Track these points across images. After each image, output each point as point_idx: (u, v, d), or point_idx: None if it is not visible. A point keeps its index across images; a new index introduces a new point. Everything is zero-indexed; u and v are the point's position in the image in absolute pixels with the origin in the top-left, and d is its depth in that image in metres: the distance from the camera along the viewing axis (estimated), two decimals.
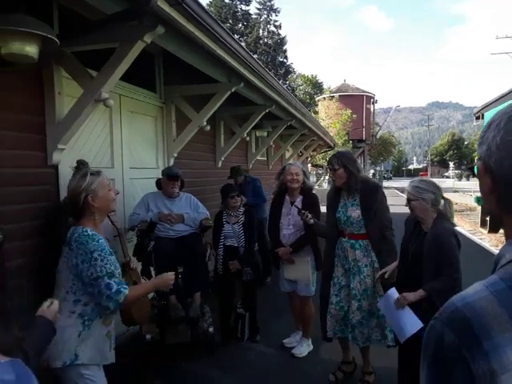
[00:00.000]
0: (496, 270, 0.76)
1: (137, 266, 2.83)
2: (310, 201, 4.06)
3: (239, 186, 6.02)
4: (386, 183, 36.75)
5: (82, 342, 2.15)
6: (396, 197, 22.77)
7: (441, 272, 2.67)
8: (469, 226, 13.78)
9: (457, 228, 3.05)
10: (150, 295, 4.13)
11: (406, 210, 2.97)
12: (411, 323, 2.72)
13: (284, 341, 4.36)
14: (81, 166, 2.51)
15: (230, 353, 4.21)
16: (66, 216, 2.49)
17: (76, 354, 2.14)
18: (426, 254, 2.75)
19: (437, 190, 2.85)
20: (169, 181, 4.14)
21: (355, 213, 3.39)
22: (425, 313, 2.62)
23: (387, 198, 3.56)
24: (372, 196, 3.40)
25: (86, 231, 2.17)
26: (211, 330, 4.10)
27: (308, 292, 4.05)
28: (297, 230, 4.06)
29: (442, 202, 2.86)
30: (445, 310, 0.73)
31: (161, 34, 3.02)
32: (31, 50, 2.56)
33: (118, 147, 4.37)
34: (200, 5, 3.10)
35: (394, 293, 2.88)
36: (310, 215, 3.71)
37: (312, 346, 4.20)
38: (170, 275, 2.43)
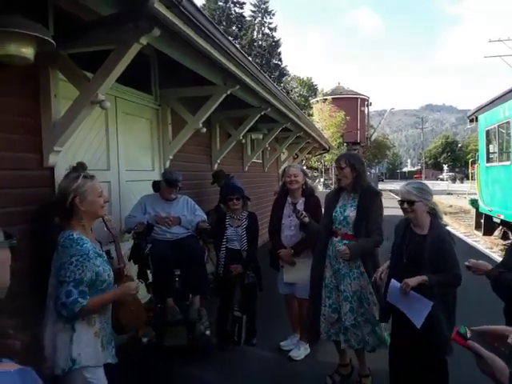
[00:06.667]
0: None
1: (131, 273, 2.81)
2: (312, 203, 4.06)
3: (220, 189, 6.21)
4: (379, 185, 36.92)
5: (74, 346, 2.14)
6: (391, 199, 22.82)
7: (442, 270, 2.76)
8: (463, 228, 13.84)
9: (452, 230, 3.14)
10: (147, 298, 4.12)
11: (401, 212, 2.99)
12: (421, 305, 2.77)
13: (281, 343, 4.35)
14: (79, 168, 2.48)
15: (227, 356, 4.20)
16: (53, 217, 2.48)
17: (72, 359, 2.12)
18: (427, 255, 2.80)
19: (432, 192, 2.99)
20: (168, 187, 4.13)
21: (353, 213, 3.40)
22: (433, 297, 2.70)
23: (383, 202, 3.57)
24: (370, 201, 3.41)
25: (72, 235, 2.16)
26: (208, 332, 4.09)
27: (306, 294, 4.04)
28: (298, 231, 4.04)
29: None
30: None
31: (157, 36, 3.01)
32: (27, 51, 2.55)
33: (114, 149, 4.35)
34: (196, 7, 3.09)
35: (395, 283, 2.91)
36: (304, 213, 3.72)
37: (309, 349, 4.19)
38: (134, 284, 2.40)
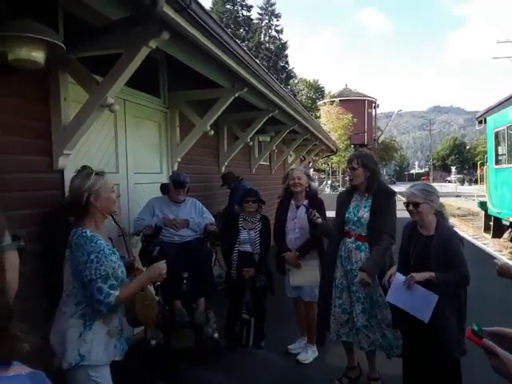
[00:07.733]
0: None
1: (141, 266, 2.81)
2: (316, 204, 4.05)
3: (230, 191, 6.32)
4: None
5: (85, 343, 2.16)
6: (398, 201, 22.69)
7: (450, 270, 2.74)
8: (472, 230, 13.72)
9: (460, 233, 3.11)
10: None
11: (408, 215, 2.97)
12: (427, 298, 2.75)
13: (289, 347, 4.34)
14: (84, 170, 2.51)
15: (235, 359, 4.19)
16: (66, 217, 2.49)
17: (81, 355, 2.15)
18: (434, 256, 2.78)
19: (438, 193, 2.97)
20: (175, 188, 4.15)
21: (366, 214, 3.36)
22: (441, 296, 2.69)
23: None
24: (385, 201, 3.38)
25: (86, 232, 2.18)
26: (216, 335, 4.10)
27: (313, 297, 4.02)
28: (303, 233, 4.04)
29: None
30: None
31: (165, 39, 3.02)
32: (38, 55, 2.57)
33: (123, 152, 4.37)
34: (205, 11, 3.10)
35: (399, 277, 2.89)
36: (317, 214, 3.70)
37: (317, 352, 4.18)
38: (162, 264, 2.40)
